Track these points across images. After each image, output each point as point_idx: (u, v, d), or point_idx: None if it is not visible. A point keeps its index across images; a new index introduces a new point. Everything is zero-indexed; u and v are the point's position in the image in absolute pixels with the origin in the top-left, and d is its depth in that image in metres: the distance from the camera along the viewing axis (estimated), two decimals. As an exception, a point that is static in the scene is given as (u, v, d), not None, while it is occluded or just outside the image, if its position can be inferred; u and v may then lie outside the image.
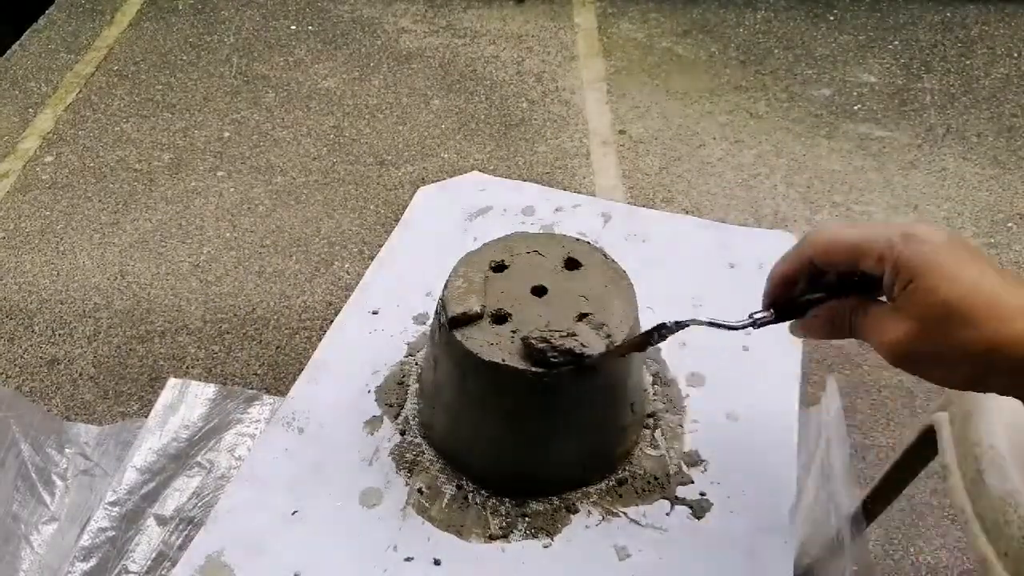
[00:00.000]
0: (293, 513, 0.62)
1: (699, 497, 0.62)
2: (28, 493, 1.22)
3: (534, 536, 0.60)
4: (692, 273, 0.81)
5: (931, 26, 2.66)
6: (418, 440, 0.66)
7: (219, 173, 2.16)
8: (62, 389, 1.63)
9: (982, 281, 0.39)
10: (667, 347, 0.71)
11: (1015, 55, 2.51)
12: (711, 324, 0.50)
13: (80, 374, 1.66)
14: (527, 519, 0.61)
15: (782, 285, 0.48)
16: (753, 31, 2.66)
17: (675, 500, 0.62)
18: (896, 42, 2.59)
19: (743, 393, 0.69)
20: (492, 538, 0.60)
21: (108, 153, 2.24)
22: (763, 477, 0.63)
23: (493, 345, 0.56)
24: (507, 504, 0.62)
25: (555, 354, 0.53)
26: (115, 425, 1.39)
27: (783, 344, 0.70)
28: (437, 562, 0.59)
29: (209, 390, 1.28)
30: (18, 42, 2.71)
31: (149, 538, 1.14)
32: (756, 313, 0.49)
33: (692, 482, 0.63)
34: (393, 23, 2.75)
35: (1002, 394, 0.42)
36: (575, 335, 0.54)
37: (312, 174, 2.15)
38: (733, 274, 0.80)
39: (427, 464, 0.65)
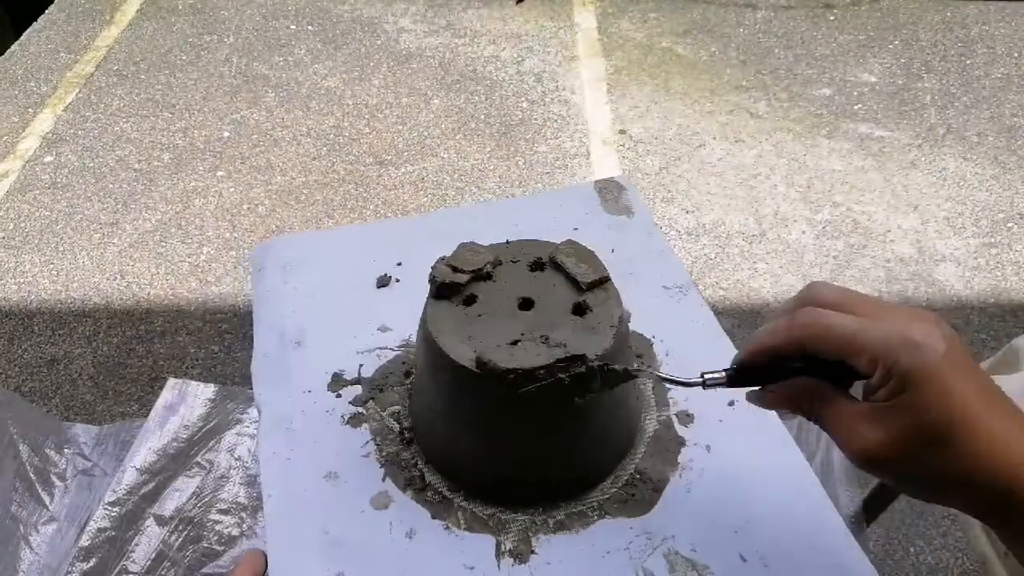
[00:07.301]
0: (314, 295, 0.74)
1: None
2: (27, 494, 1.22)
3: (412, 495, 0.59)
4: None
5: (931, 26, 2.65)
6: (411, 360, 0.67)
7: (219, 173, 2.16)
8: (61, 389, 1.63)
9: (972, 404, 0.38)
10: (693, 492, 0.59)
11: (1015, 55, 2.51)
12: (661, 378, 0.49)
13: (79, 374, 1.66)
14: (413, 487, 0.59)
15: (762, 356, 0.45)
16: (753, 31, 2.66)
17: None
18: (896, 42, 2.59)
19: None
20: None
21: (108, 153, 2.24)
22: None
23: (441, 314, 0.55)
24: (418, 462, 0.60)
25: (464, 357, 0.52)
26: (114, 425, 1.38)
27: None
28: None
29: (209, 390, 1.27)
30: (18, 42, 2.71)
31: (149, 538, 1.13)
32: (707, 373, 0.47)
33: None
34: (393, 23, 2.75)
35: (962, 511, 0.42)
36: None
37: (312, 174, 2.15)
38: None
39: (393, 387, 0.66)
